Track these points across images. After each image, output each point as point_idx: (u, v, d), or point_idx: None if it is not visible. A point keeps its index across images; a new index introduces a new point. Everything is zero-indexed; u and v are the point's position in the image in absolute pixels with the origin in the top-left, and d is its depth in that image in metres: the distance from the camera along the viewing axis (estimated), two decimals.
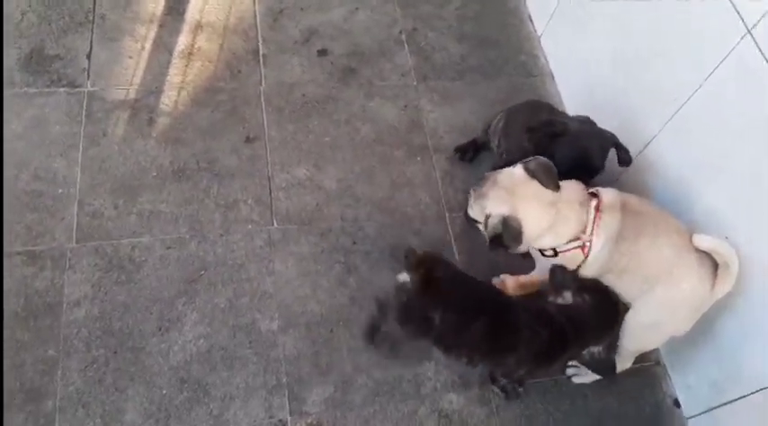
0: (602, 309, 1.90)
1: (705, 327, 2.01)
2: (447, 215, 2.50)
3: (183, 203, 2.35)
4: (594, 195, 1.94)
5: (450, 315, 1.77)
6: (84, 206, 2.28)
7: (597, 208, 1.89)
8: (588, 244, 1.89)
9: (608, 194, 1.94)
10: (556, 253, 1.95)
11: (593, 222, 1.88)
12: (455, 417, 2.08)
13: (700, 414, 2.11)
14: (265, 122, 2.62)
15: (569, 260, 1.95)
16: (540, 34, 3.10)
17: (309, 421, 2.01)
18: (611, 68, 2.51)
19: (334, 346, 2.13)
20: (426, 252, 1.82)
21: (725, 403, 1.99)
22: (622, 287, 1.96)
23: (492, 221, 1.88)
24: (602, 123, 2.51)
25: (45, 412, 1.90)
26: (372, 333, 2.05)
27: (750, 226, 1.86)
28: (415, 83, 2.88)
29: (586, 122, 2.19)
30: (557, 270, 1.92)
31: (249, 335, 2.12)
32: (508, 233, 1.86)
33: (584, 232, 1.89)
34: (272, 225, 2.36)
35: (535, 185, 1.88)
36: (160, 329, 2.09)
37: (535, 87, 2.95)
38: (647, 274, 1.87)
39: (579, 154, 2.06)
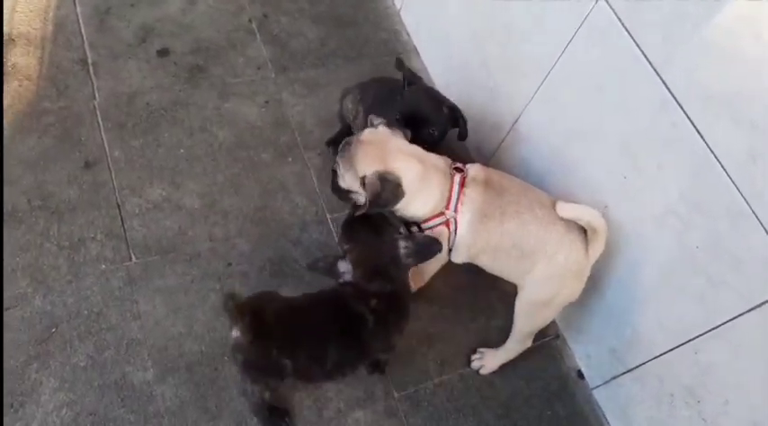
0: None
1: (597, 296, 2.08)
2: (328, 216, 2.42)
3: (19, 252, 2.10)
4: (460, 170, 1.92)
5: (301, 354, 1.70)
6: None
7: (462, 184, 1.88)
8: (453, 220, 1.89)
9: (473, 169, 1.94)
10: (420, 230, 1.92)
11: (458, 198, 1.87)
12: None
13: (604, 384, 2.19)
14: (105, 142, 2.39)
15: (437, 237, 1.92)
16: (399, 8, 3.05)
17: None
18: (473, 41, 2.50)
19: (220, 385, 2.00)
20: (250, 296, 1.70)
21: (626, 372, 2.07)
22: (502, 268, 1.98)
23: (370, 180, 1.78)
24: (472, 97, 2.53)
25: None
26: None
27: (624, 193, 1.92)
28: (273, 75, 2.75)
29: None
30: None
31: (120, 392, 1.93)
32: (387, 189, 1.79)
33: (447, 207, 1.87)
34: (130, 260, 2.17)
35: (401, 140, 1.87)
36: (12, 406, 1.86)
37: None
38: (522, 253, 1.89)
39: (417, 106, 2.08)
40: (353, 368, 1.89)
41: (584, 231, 1.88)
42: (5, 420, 1.83)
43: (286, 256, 2.31)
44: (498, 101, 2.42)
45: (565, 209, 1.85)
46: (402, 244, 1.78)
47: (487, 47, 2.42)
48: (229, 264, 2.23)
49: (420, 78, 2.23)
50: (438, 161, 1.90)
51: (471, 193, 1.88)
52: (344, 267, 1.78)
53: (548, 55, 2.08)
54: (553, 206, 1.87)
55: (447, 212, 1.88)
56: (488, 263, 1.98)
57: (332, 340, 1.73)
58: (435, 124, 2.07)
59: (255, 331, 1.62)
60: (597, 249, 1.89)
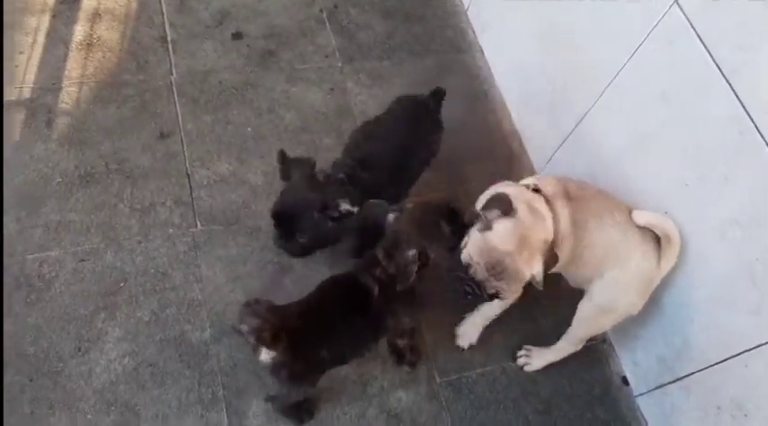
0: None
1: (650, 304, 2.09)
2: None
3: (94, 210, 2.27)
4: (536, 189, 1.90)
5: (333, 342, 1.78)
6: None
7: (547, 202, 1.86)
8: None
9: (548, 185, 1.92)
10: None
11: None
12: (405, 416, 2.12)
13: (648, 392, 2.22)
14: (179, 115, 2.55)
15: None
16: (466, 7, 3.14)
17: None
18: (540, 42, 2.58)
19: None
20: (268, 310, 1.69)
21: (673, 381, 2.10)
22: (574, 273, 2.03)
23: (539, 277, 1.78)
24: (534, 98, 2.61)
25: None
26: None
27: (686, 201, 1.95)
28: (340, 64, 2.87)
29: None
30: None
31: (179, 348, 2.08)
32: (551, 262, 1.81)
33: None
34: (196, 227, 2.31)
35: (512, 224, 1.78)
36: (79, 350, 2.02)
37: (465, 63, 3.00)
38: (596, 257, 1.93)
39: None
40: (375, 341, 1.96)
41: (658, 242, 1.91)
42: (72, 362, 1.99)
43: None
44: (561, 103, 2.48)
45: (641, 217, 1.89)
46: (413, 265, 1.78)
47: (554, 49, 2.50)
48: None
49: (307, 162, 2.05)
50: (543, 210, 1.84)
51: (558, 209, 1.87)
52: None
53: (614, 59, 2.14)
54: (629, 212, 1.92)
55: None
56: (563, 268, 2.00)
57: (350, 317, 1.81)
58: (304, 229, 1.98)
59: (294, 349, 1.68)
60: (670, 260, 1.92)
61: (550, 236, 1.82)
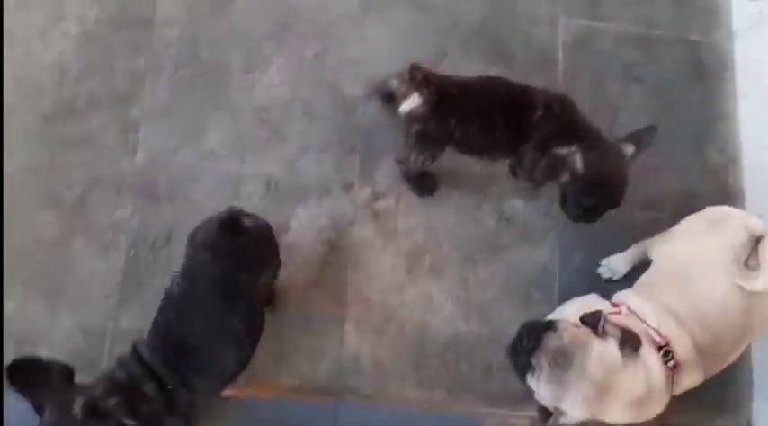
0: None
1: None
2: (561, 20, 2.44)
3: None
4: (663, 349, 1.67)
5: (473, 126, 1.79)
6: None
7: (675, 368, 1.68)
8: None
9: (679, 347, 1.69)
10: None
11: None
12: (516, 222, 2.22)
13: None
14: None
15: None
16: None
17: (375, 190, 2.18)
18: None
19: None
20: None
21: None
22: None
23: None
24: None
25: (131, 118, 2.13)
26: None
27: None
28: None
29: None
30: None
31: (332, 95, 2.24)
32: None
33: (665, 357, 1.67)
34: None
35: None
36: (246, 66, 2.22)
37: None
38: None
39: None
40: (506, 153, 1.94)
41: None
42: (238, 75, 2.21)
43: (504, 41, 2.40)
44: None
45: (757, 284, 1.69)
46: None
47: None
48: (455, 25, 2.37)
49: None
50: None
51: (688, 377, 1.71)
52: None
53: None
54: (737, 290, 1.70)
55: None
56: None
57: (498, 118, 1.79)
58: None
59: (435, 106, 1.74)
60: None
61: None
